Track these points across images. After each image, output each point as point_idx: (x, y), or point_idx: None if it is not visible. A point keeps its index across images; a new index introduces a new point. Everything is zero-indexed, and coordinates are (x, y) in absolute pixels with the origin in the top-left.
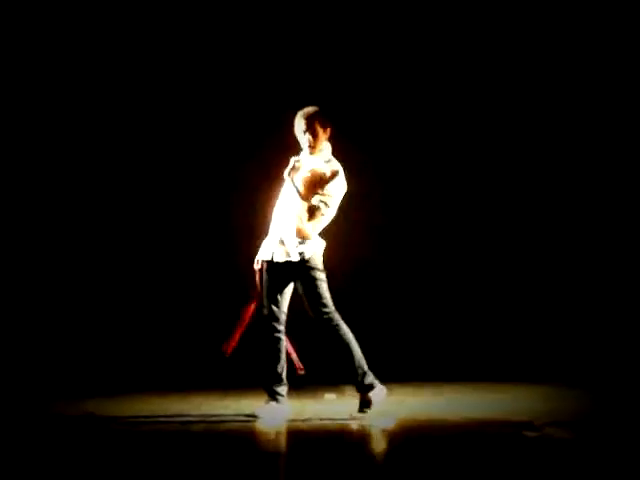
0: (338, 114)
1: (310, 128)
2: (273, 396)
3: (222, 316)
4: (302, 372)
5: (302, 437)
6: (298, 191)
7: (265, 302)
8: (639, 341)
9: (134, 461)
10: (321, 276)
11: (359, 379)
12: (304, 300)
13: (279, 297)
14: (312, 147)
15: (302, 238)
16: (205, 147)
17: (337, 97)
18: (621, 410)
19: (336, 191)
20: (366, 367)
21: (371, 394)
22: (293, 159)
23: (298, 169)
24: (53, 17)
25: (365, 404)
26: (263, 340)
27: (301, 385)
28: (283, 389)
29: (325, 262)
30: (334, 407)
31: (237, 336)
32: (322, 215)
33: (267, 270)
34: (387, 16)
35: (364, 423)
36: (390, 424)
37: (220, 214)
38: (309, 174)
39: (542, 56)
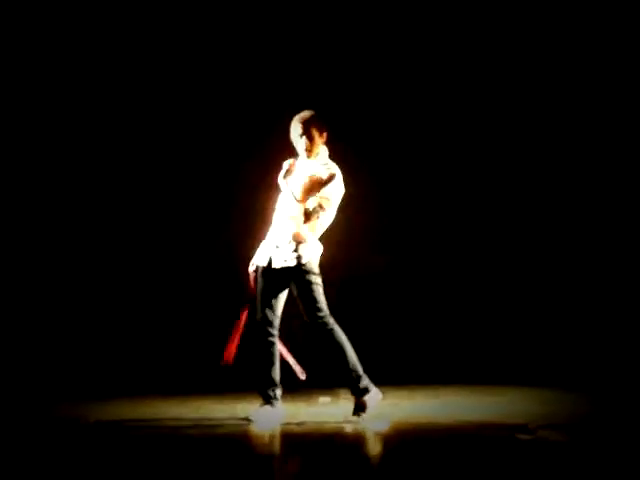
0: (338, 118)
1: (306, 132)
2: (268, 400)
3: (219, 320)
4: (304, 377)
5: (296, 440)
6: (294, 195)
7: (259, 306)
8: (635, 345)
9: (129, 464)
10: (317, 280)
11: (354, 383)
12: (299, 303)
13: (274, 301)
14: (309, 151)
15: (299, 242)
16: (205, 149)
17: (338, 100)
18: (617, 414)
19: (333, 194)
20: (361, 371)
21: (366, 398)
22: (286, 163)
23: (292, 172)
24: (53, 17)
25: (360, 408)
26: (257, 344)
27: (296, 388)
28: (277, 393)
29: (321, 265)
30: (329, 410)
31: (235, 342)
32: (318, 218)
33: (263, 275)
34: (386, 19)
35: (358, 426)
36: (384, 427)
37: (219, 217)
38: (306, 178)
39: (542, 56)
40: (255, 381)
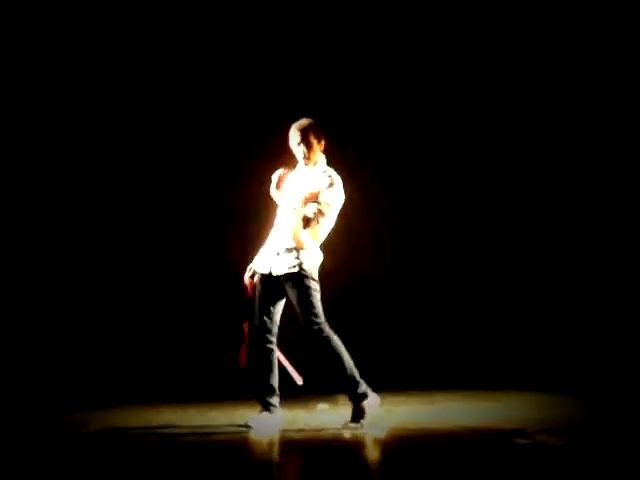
0: (334, 124)
1: (304, 140)
2: (266, 407)
3: (218, 327)
4: (301, 382)
5: (295, 447)
6: (291, 204)
7: (257, 313)
8: (633, 349)
9: (128, 472)
10: (315, 287)
11: (352, 389)
12: (296, 310)
13: (272, 309)
14: (307, 158)
15: (300, 249)
16: (203, 154)
17: (334, 105)
18: (615, 418)
19: (333, 200)
20: (358, 376)
21: (364, 403)
22: (276, 175)
23: (284, 180)
24: (51, 17)
25: (358, 414)
26: (255, 351)
27: (294, 395)
28: (276, 400)
29: (320, 273)
30: (327, 417)
31: (245, 349)
32: (318, 224)
33: (262, 282)
34: (388, 23)
35: (356, 433)
36: (382, 433)
37: (218, 219)
38: (305, 185)
39: (542, 57)
40: (253, 388)
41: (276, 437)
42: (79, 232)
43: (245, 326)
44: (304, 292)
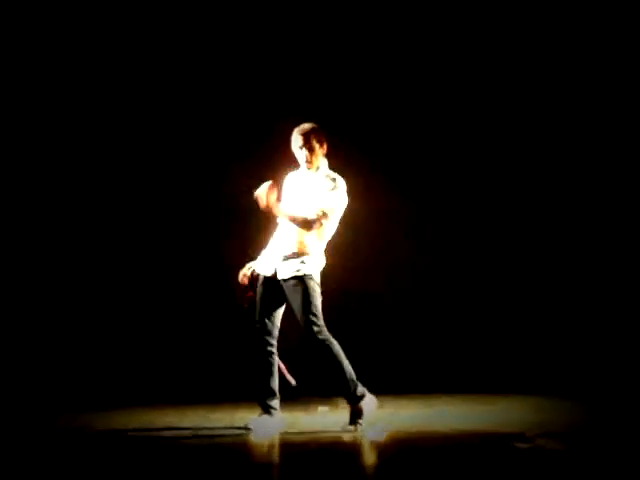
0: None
1: (307, 144)
2: (266, 409)
3: (219, 330)
4: (294, 383)
5: (295, 449)
6: (299, 213)
7: (258, 316)
8: (631, 352)
9: (128, 474)
10: (317, 291)
11: (349, 390)
12: (296, 313)
13: (273, 311)
14: (309, 162)
15: (305, 254)
16: (200, 157)
17: (330, 107)
18: (614, 422)
19: (336, 204)
20: (355, 378)
21: (362, 404)
22: (261, 191)
23: (276, 190)
24: (48, 16)
25: (356, 415)
26: (255, 354)
27: (294, 398)
28: (276, 402)
29: (321, 277)
30: (327, 419)
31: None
32: (321, 226)
33: (265, 284)
34: (389, 26)
35: (356, 435)
36: (381, 436)
37: (217, 220)
38: (308, 188)
39: (542, 58)
40: (253, 391)
41: (276, 439)
42: (80, 234)
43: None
44: (307, 296)
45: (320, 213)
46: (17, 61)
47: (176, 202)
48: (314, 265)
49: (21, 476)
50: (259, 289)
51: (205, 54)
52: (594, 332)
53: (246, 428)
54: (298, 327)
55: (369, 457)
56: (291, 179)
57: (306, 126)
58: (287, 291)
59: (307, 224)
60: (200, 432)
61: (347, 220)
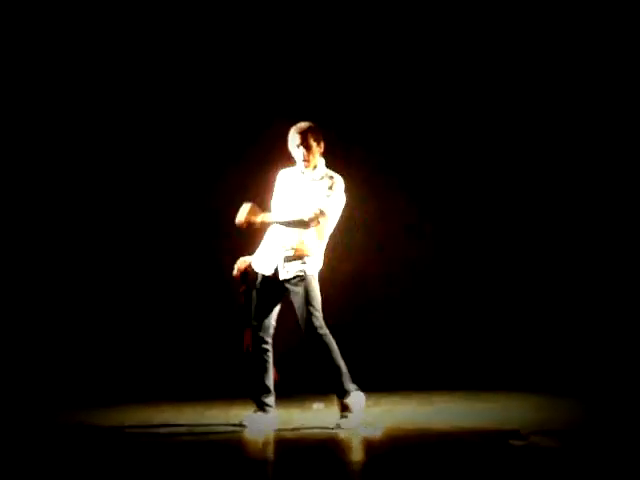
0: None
1: (304, 142)
2: (261, 407)
3: (214, 327)
4: (277, 379)
5: (290, 446)
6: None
7: (255, 314)
8: (629, 351)
9: (123, 470)
10: (318, 289)
11: (340, 385)
12: (298, 310)
13: (270, 310)
14: (306, 161)
15: (306, 255)
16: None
17: (326, 107)
18: (611, 421)
19: (334, 202)
20: (348, 374)
21: (351, 399)
22: (240, 216)
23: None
24: (45, 16)
25: (346, 408)
26: (251, 351)
27: (289, 394)
28: (271, 399)
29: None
30: (322, 416)
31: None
32: (318, 224)
33: (263, 283)
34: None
35: (352, 432)
36: (377, 433)
37: (213, 218)
38: (305, 187)
39: (542, 58)
40: (248, 388)
41: (271, 436)
42: (78, 233)
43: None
44: (309, 295)
45: (317, 212)
46: (12, 60)
47: (171, 199)
48: (315, 266)
49: (18, 472)
50: (257, 287)
51: (209, 56)
52: (592, 330)
53: (241, 425)
54: (294, 326)
55: (364, 454)
56: (286, 177)
57: (303, 125)
58: (290, 290)
59: (304, 224)
60: (196, 429)
61: (347, 219)
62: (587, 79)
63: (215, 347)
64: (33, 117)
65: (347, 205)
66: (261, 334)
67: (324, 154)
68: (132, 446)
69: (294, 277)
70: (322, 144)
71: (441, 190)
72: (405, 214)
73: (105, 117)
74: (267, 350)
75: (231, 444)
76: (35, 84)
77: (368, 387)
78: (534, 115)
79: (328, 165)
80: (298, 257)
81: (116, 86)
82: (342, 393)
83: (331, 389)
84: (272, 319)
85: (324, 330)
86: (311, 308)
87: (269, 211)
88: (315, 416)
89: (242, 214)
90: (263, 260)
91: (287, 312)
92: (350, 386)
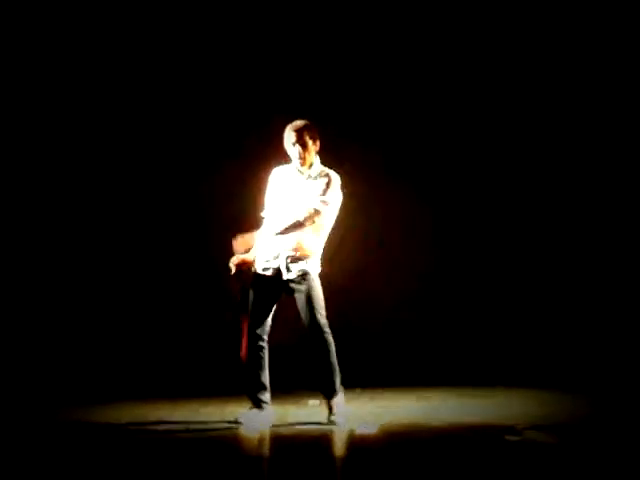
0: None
1: (300, 140)
2: (257, 403)
3: (209, 325)
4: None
5: (285, 443)
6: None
7: (252, 312)
8: (632, 346)
9: (120, 467)
10: (320, 288)
11: (334, 387)
12: (301, 311)
13: (267, 308)
14: (302, 159)
15: (308, 255)
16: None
17: (323, 106)
18: (610, 416)
19: (330, 200)
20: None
21: (337, 399)
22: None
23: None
24: (44, 16)
25: (331, 408)
26: (247, 348)
27: (285, 391)
28: (266, 396)
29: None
30: (317, 413)
31: (246, 344)
32: (313, 223)
33: (262, 281)
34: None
35: (347, 429)
36: (373, 430)
37: (208, 214)
38: (301, 185)
39: (542, 58)
40: (244, 385)
41: (266, 433)
42: (75, 231)
43: (244, 321)
44: (312, 294)
45: (312, 211)
46: (11, 60)
47: (168, 196)
48: (317, 266)
49: (15, 469)
50: (255, 285)
51: (209, 57)
52: (595, 325)
53: (236, 422)
54: (290, 323)
55: (360, 451)
56: (281, 175)
57: (299, 123)
58: (294, 289)
59: (299, 225)
60: (192, 426)
61: (347, 220)
62: (587, 79)
63: (210, 344)
64: (32, 115)
65: (345, 204)
66: (258, 332)
67: (320, 152)
68: (128, 443)
69: (298, 276)
70: (318, 142)
71: (441, 190)
72: (403, 210)
73: (103, 114)
74: (263, 347)
75: (227, 441)
76: (33, 79)
77: (365, 384)
78: (534, 115)
79: (324, 163)
80: (301, 257)
81: (115, 83)
82: (331, 393)
83: (320, 387)
84: (268, 317)
85: (328, 329)
86: (316, 306)
87: (262, 209)
88: (311, 413)
89: (234, 258)
90: (264, 260)
91: (282, 309)
92: (339, 387)
